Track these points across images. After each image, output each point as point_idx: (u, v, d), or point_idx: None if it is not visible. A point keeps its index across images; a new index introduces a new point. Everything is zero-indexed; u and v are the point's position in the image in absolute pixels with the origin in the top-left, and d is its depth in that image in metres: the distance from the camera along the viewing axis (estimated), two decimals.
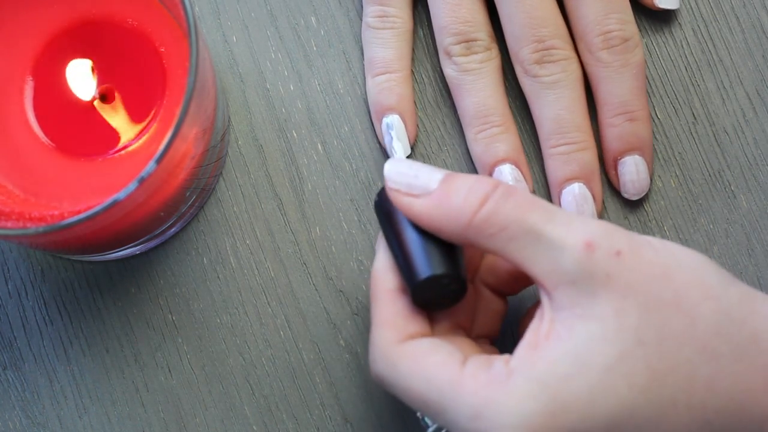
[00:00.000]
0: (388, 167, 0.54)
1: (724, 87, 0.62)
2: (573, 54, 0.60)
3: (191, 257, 0.62)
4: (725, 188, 0.61)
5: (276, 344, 0.61)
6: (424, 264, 0.52)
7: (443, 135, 0.62)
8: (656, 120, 0.62)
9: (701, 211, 0.61)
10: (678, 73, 0.62)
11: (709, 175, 0.62)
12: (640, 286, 0.50)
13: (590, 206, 0.59)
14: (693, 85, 0.62)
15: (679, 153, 0.62)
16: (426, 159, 0.61)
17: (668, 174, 0.62)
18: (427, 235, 0.53)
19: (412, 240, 0.53)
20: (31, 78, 0.57)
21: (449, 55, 0.60)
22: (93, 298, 0.61)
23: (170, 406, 0.61)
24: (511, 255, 0.51)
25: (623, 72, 0.59)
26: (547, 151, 0.60)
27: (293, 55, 0.63)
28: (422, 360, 0.51)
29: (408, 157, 0.61)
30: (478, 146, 0.61)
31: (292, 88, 0.63)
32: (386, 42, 0.61)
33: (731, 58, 0.62)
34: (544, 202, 0.51)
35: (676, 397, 0.50)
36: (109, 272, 0.61)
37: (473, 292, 0.57)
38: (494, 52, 0.61)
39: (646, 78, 0.61)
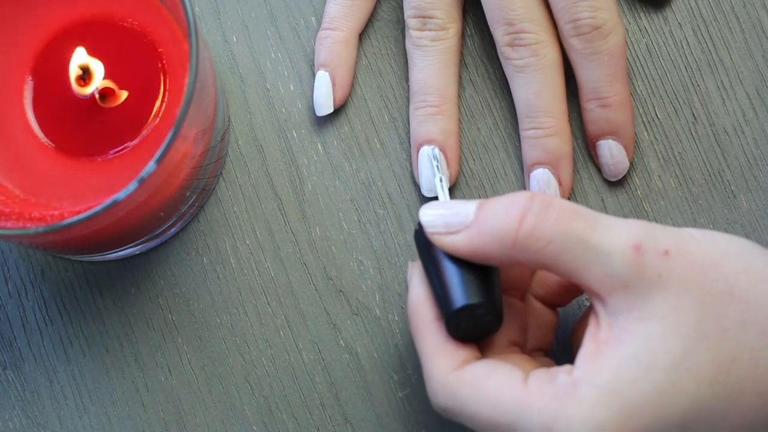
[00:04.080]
0: (424, 213, 0.54)
1: (724, 87, 0.62)
2: (548, 38, 0.60)
3: (191, 257, 0.61)
4: (725, 188, 0.61)
5: (276, 344, 0.61)
6: (460, 293, 0.52)
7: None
8: (656, 120, 0.62)
9: (701, 211, 0.61)
10: (678, 73, 0.62)
11: (709, 175, 0.62)
12: (692, 281, 0.50)
13: (554, 191, 0.60)
14: (693, 85, 0.62)
15: (679, 153, 0.62)
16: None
17: (668, 174, 0.62)
18: (464, 266, 0.53)
19: (449, 271, 0.53)
20: (31, 78, 0.57)
21: (407, 27, 0.61)
22: (93, 298, 0.61)
23: (170, 406, 0.61)
24: (560, 267, 0.51)
25: (592, 59, 0.59)
26: (521, 133, 0.61)
27: (293, 55, 0.63)
28: (483, 384, 0.51)
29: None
30: (413, 121, 0.61)
31: (292, 88, 0.63)
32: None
33: (731, 58, 0.62)
34: (583, 209, 0.51)
35: (743, 385, 0.50)
36: (109, 272, 0.61)
37: (524, 308, 0.57)
38: (450, 33, 0.61)
39: (627, 62, 0.60)
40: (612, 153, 0.60)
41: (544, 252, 0.51)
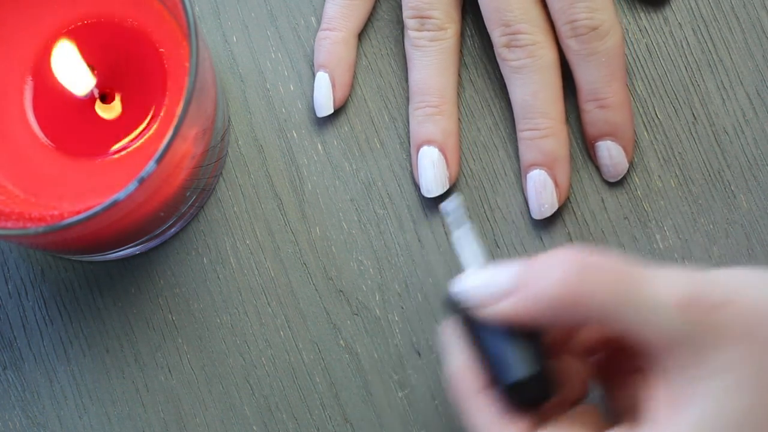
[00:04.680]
0: (464, 288, 0.51)
1: (724, 87, 0.62)
2: (545, 38, 0.60)
3: (191, 257, 0.62)
4: (725, 188, 0.61)
5: (276, 344, 0.61)
6: (518, 364, 0.50)
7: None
8: (656, 120, 0.62)
9: (701, 211, 0.61)
10: (678, 73, 0.62)
11: (709, 175, 0.62)
12: (748, 332, 0.48)
13: (550, 193, 0.60)
14: (693, 85, 0.62)
15: (679, 153, 0.62)
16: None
17: (668, 174, 0.62)
18: (510, 332, 0.50)
19: (496, 339, 0.50)
20: (30, 78, 0.57)
21: (406, 27, 0.61)
22: (93, 298, 0.61)
23: (170, 406, 0.61)
24: (612, 327, 0.49)
25: (590, 60, 0.59)
26: (518, 134, 0.61)
27: (293, 55, 0.63)
28: None
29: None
30: (412, 121, 0.61)
31: (292, 88, 0.63)
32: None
33: (731, 58, 0.62)
34: (630, 262, 0.49)
35: None
36: (109, 272, 0.61)
37: (568, 363, 0.54)
38: (449, 33, 0.61)
39: (625, 63, 0.60)
40: (611, 154, 0.60)
41: (593, 311, 0.49)
